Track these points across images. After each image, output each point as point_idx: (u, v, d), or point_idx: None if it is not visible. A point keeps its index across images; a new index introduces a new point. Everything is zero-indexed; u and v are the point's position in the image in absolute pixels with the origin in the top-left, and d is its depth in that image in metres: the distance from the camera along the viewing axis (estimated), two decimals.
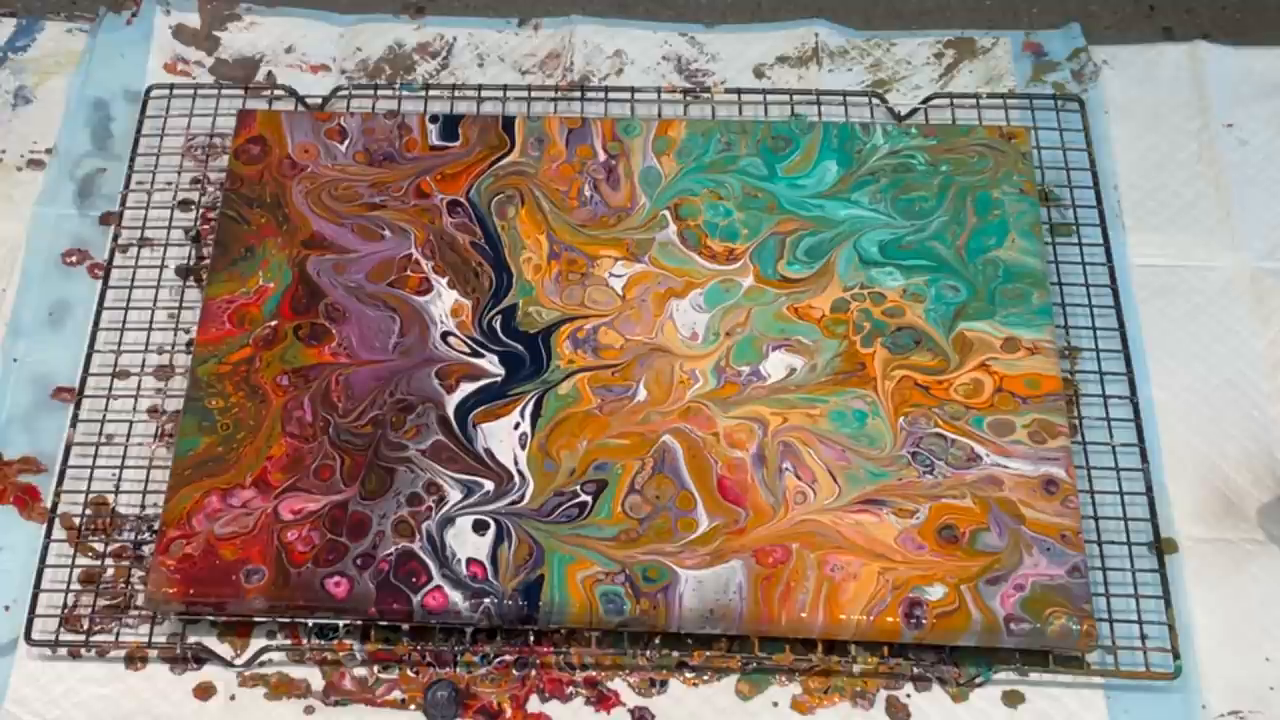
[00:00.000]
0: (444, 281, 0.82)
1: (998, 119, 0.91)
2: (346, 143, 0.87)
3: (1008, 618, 0.71)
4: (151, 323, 0.85)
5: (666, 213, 0.84)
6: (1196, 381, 0.84)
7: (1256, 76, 0.95)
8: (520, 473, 0.76)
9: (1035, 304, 0.80)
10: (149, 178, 0.89)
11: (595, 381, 0.78)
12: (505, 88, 0.92)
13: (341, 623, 0.75)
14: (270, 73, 0.96)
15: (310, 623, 0.76)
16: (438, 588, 0.73)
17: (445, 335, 0.80)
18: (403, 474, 0.76)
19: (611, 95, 0.92)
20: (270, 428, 0.77)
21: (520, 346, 0.80)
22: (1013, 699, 0.75)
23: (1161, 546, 0.77)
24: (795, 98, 0.92)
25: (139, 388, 0.83)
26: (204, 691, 0.75)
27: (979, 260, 0.82)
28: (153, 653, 0.76)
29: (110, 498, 0.79)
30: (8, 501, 0.81)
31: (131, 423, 0.81)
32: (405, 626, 0.75)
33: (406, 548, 0.74)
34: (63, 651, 0.76)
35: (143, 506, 0.79)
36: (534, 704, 0.75)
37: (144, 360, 0.84)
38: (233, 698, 0.75)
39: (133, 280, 0.86)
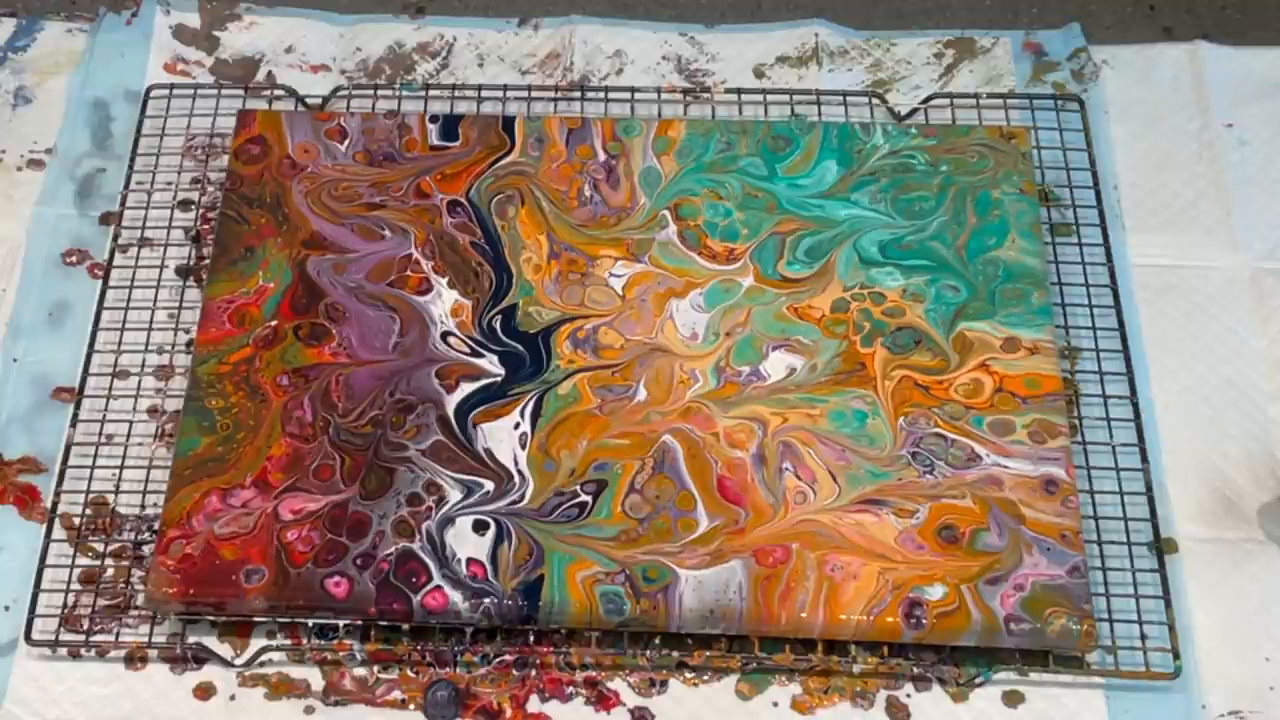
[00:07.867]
0: (444, 281, 0.82)
1: (998, 119, 0.91)
2: (346, 143, 0.87)
3: (1008, 618, 0.71)
4: (151, 323, 0.85)
5: (666, 213, 0.84)
6: (1196, 381, 0.84)
7: (1256, 76, 0.95)
8: (520, 473, 0.76)
9: (1035, 304, 0.80)
10: (149, 178, 0.89)
11: (595, 381, 0.78)
12: (505, 88, 0.92)
13: (341, 623, 0.75)
14: (270, 73, 0.96)
15: (310, 623, 0.76)
16: (438, 588, 0.73)
17: (445, 335, 0.80)
18: (403, 474, 0.76)
19: (611, 95, 0.92)
20: (270, 428, 0.77)
21: (520, 346, 0.80)
22: (1013, 699, 0.75)
23: (1161, 546, 0.77)
24: (795, 98, 0.92)
25: (139, 388, 0.83)
26: (204, 691, 0.75)
27: (979, 260, 0.82)
28: (153, 653, 0.76)
29: (110, 498, 0.79)
30: (8, 501, 0.81)
31: (131, 423, 0.81)
32: (405, 626, 0.75)
33: (406, 548, 0.74)
34: (63, 651, 0.76)
35: (143, 506, 0.79)
36: (534, 704, 0.75)
37: (144, 360, 0.84)
38: (233, 698, 0.75)
39: (133, 280, 0.86)
